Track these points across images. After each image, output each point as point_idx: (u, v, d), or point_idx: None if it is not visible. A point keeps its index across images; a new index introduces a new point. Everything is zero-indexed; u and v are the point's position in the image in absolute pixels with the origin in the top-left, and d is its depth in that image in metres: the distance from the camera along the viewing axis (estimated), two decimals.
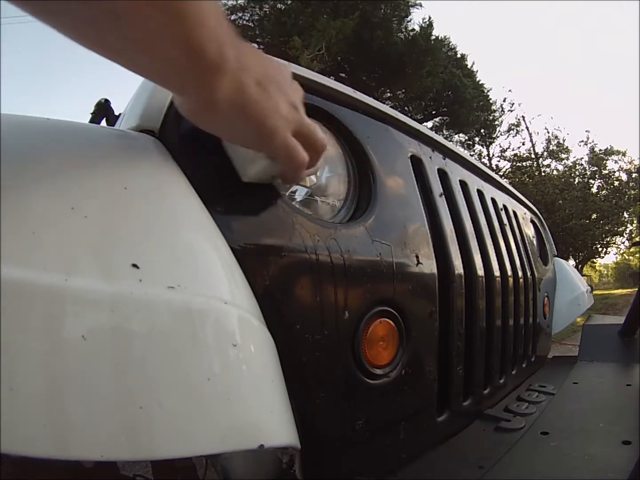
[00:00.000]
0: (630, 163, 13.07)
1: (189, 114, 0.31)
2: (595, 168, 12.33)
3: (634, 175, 12.38)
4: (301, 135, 0.35)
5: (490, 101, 12.29)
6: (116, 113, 1.06)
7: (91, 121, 1.05)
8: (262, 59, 0.32)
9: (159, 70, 0.27)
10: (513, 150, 13.96)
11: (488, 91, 11.73)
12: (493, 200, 0.87)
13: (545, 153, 13.66)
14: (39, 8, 0.23)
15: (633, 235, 12.82)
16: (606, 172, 12.30)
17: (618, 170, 12.65)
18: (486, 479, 0.48)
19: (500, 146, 15.02)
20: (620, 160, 13.20)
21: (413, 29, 9.13)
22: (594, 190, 11.91)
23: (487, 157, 14.01)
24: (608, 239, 12.08)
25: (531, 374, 0.97)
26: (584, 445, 0.54)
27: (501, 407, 0.72)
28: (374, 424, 0.45)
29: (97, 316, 0.24)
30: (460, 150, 0.79)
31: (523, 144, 14.09)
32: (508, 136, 14.12)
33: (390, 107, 0.65)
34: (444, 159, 0.72)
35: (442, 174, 0.69)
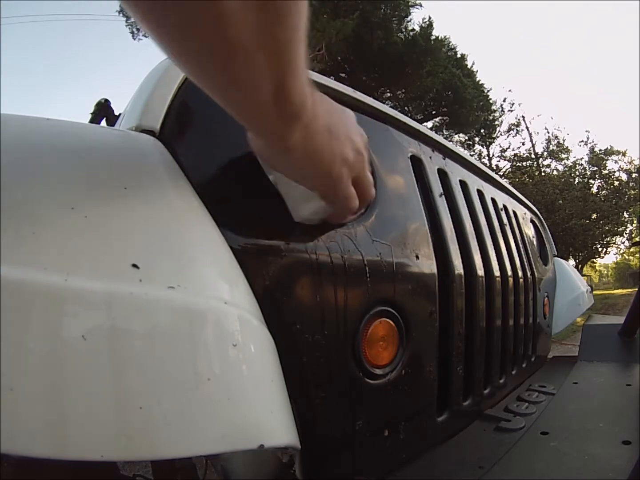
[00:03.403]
0: (630, 163, 13.10)
1: (263, 156, 0.33)
2: (595, 168, 12.34)
3: (634, 175, 12.38)
4: (358, 182, 0.37)
5: (490, 101, 12.28)
6: (116, 113, 1.06)
7: (91, 121, 1.05)
8: (331, 106, 0.34)
9: (246, 110, 0.28)
10: (513, 150, 14.01)
11: (488, 91, 11.73)
12: (493, 200, 0.86)
13: (545, 153, 13.70)
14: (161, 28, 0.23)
15: (633, 235, 12.83)
16: (606, 172, 12.31)
17: (618, 170, 12.68)
18: (486, 479, 0.48)
19: (500, 146, 15.08)
20: (620, 160, 13.24)
21: (413, 29, 9.13)
22: (594, 190, 11.92)
23: (487, 157, 14.02)
24: (608, 239, 12.08)
25: (531, 374, 0.97)
26: (584, 445, 0.54)
27: (501, 407, 0.72)
28: (374, 424, 0.45)
29: (97, 316, 0.24)
30: (460, 150, 0.79)
31: (523, 144, 14.15)
32: (508, 136, 14.16)
33: (390, 107, 0.64)
34: (444, 159, 0.72)
35: (442, 174, 0.69)
